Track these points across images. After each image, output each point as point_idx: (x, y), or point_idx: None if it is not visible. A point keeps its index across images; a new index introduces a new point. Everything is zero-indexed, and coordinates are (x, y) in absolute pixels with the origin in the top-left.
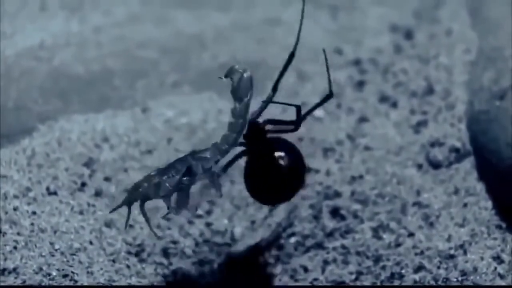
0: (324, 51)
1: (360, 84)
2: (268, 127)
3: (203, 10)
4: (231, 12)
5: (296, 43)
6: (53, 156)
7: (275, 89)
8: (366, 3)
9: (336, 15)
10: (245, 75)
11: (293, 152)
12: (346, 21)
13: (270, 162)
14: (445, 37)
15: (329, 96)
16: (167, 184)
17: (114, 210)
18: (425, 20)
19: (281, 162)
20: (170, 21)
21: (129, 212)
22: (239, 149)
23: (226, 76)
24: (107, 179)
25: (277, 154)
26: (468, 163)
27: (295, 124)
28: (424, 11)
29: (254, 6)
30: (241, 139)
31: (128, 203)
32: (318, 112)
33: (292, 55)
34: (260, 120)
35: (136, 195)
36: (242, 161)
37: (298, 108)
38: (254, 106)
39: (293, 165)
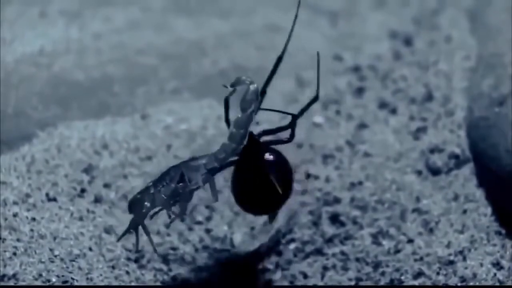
0: (318, 54)
1: (360, 91)
2: (264, 138)
3: (203, 17)
4: (231, 19)
5: (285, 48)
6: (52, 162)
7: (262, 93)
8: (365, 10)
9: (335, 22)
10: (251, 87)
11: (282, 166)
12: (346, 27)
13: (259, 174)
14: (445, 44)
15: (315, 99)
16: (162, 195)
17: (121, 236)
18: (424, 26)
19: (271, 175)
20: (170, 28)
21: (137, 236)
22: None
23: (232, 86)
24: (106, 185)
25: (267, 165)
26: (467, 170)
27: (290, 135)
28: (423, 18)
29: (254, 12)
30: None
31: (135, 226)
32: (318, 118)
33: (279, 59)
34: (256, 131)
35: (141, 216)
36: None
37: (294, 117)
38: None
39: (281, 178)
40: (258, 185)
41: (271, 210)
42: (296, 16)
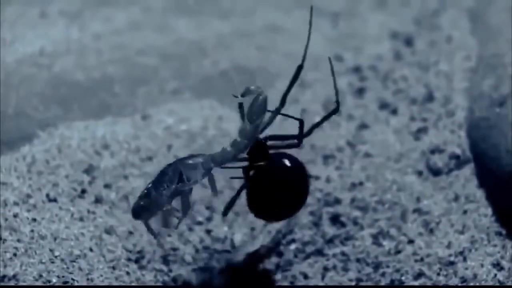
0: (330, 61)
1: (360, 91)
2: (271, 143)
3: (204, 17)
4: (231, 19)
5: (304, 56)
6: (53, 163)
7: (283, 102)
8: (366, 10)
9: (336, 22)
10: (260, 98)
11: (296, 169)
12: (347, 28)
13: (273, 180)
14: (445, 44)
15: (336, 110)
16: (164, 197)
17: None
18: (425, 27)
19: (284, 180)
20: (170, 28)
21: (158, 239)
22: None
23: (242, 96)
24: (107, 186)
25: (279, 172)
26: (468, 170)
27: (298, 139)
28: (424, 18)
29: (255, 13)
30: (244, 155)
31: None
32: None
33: (300, 68)
34: (262, 135)
35: (147, 215)
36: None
37: (301, 123)
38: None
39: (295, 182)
40: (283, 186)
41: (291, 214)
42: (310, 24)
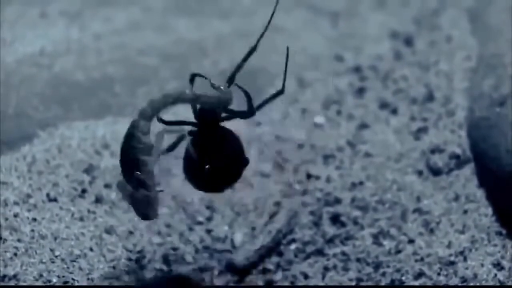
0: (287, 49)
1: (361, 91)
2: (223, 114)
3: (204, 17)
4: (231, 19)
5: (259, 39)
6: (53, 162)
7: (231, 81)
8: (366, 10)
9: (336, 22)
10: (226, 99)
11: (236, 145)
12: (347, 28)
13: (216, 150)
14: (445, 44)
15: (280, 92)
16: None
17: None
18: (425, 27)
19: (225, 152)
20: (170, 28)
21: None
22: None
23: (212, 86)
24: (107, 185)
25: (223, 143)
26: (468, 170)
27: (248, 113)
28: (424, 18)
29: (255, 13)
30: (194, 119)
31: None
32: (319, 119)
33: (252, 50)
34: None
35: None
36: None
37: (248, 97)
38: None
39: (233, 157)
40: (222, 158)
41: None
42: (274, 10)
